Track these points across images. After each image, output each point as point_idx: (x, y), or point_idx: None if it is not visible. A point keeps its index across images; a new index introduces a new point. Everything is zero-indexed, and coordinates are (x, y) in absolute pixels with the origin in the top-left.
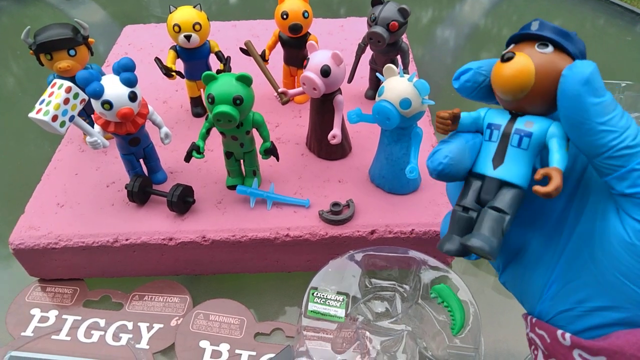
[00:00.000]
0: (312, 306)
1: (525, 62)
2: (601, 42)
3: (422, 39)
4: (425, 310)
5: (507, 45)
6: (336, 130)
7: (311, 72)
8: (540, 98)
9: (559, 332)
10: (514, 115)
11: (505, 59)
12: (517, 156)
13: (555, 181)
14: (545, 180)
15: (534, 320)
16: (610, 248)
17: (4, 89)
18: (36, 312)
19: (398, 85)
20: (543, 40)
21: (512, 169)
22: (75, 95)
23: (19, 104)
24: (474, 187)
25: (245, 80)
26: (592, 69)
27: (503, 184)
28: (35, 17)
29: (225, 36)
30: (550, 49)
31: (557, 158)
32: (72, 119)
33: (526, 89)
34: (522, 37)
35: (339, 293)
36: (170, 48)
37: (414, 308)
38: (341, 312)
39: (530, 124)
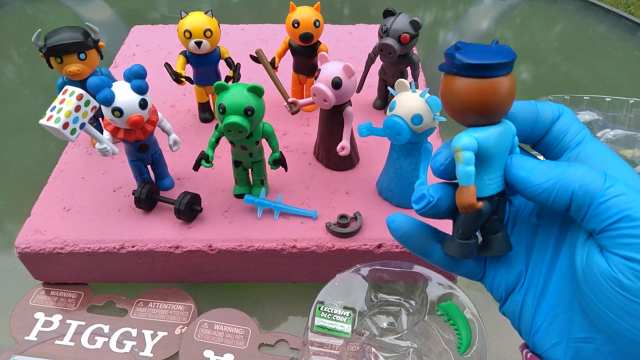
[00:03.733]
0: (318, 321)
1: None
2: (607, 54)
3: (424, 42)
4: (431, 327)
5: None
6: (345, 142)
7: (322, 84)
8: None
9: None
10: None
11: None
12: None
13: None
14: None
15: (529, 355)
16: (596, 284)
17: (9, 86)
18: (40, 316)
19: (410, 101)
20: None
21: None
22: (87, 103)
23: (24, 102)
24: None
25: (257, 91)
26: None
27: None
28: (41, 12)
29: (234, 40)
30: None
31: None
32: (82, 126)
33: None
34: None
35: (345, 308)
36: (180, 53)
37: (420, 325)
38: (347, 328)
39: None
